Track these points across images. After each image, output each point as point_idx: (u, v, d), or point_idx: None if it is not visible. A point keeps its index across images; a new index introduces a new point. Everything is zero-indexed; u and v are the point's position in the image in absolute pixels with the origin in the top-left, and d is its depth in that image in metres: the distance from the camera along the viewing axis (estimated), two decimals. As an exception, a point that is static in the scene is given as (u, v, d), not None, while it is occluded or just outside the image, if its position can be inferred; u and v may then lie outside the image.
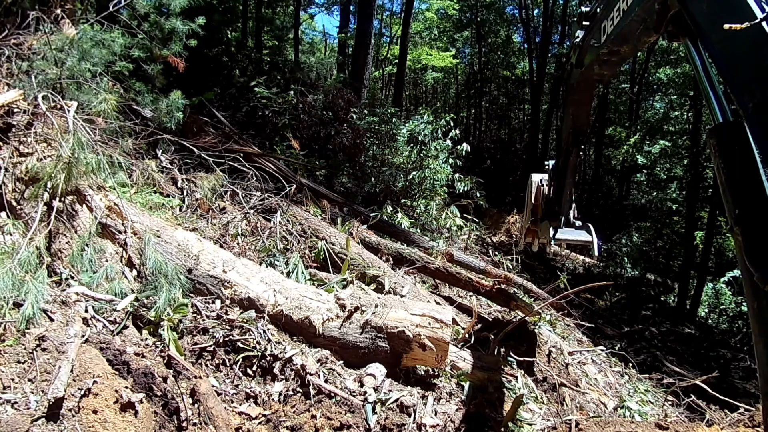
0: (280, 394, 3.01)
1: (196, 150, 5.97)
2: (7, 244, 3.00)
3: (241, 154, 6.36)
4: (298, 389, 3.03)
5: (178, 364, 2.86)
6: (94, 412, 2.19)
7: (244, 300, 3.53)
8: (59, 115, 3.59)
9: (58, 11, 4.90)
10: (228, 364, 3.15)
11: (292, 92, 9.47)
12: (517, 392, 3.82)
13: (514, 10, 22.70)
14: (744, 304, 10.62)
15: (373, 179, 8.74)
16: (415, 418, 2.87)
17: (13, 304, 2.59)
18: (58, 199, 3.23)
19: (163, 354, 2.89)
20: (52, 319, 2.69)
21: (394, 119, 9.66)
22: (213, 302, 3.50)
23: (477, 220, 9.52)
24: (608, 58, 3.13)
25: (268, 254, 4.79)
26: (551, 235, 4.05)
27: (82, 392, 2.21)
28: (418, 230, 7.67)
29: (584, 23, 3.40)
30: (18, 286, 2.61)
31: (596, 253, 3.98)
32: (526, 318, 4.90)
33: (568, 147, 3.89)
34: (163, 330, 3.07)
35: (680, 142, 14.54)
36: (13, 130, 3.46)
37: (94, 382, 2.27)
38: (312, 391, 2.97)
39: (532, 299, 6.06)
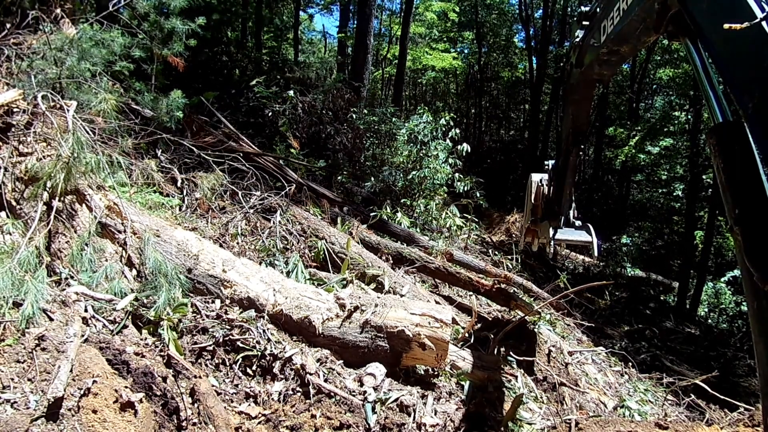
0: (279, 394, 3.01)
1: (195, 149, 5.96)
2: (7, 244, 3.00)
3: (241, 154, 6.36)
4: (298, 389, 3.03)
5: (177, 363, 2.86)
6: (94, 411, 2.19)
7: (244, 299, 3.53)
8: (59, 115, 3.58)
9: (58, 11, 4.91)
10: (228, 364, 3.15)
11: (291, 92, 9.45)
12: (516, 392, 3.82)
13: (515, 12, 22.71)
14: (744, 303, 10.63)
15: (373, 179, 8.73)
16: (414, 417, 2.87)
17: (12, 304, 2.59)
18: (57, 198, 3.22)
19: (162, 353, 2.89)
20: (51, 319, 2.69)
21: (393, 119, 9.65)
22: (213, 302, 3.50)
23: (477, 220, 9.50)
24: (608, 57, 3.14)
25: (267, 254, 4.79)
26: (551, 235, 4.05)
27: (82, 392, 2.21)
28: (418, 230, 7.66)
29: (584, 23, 3.40)
30: (18, 285, 2.61)
31: (596, 253, 3.98)
32: (525, 317, 4.90)
33: (568, 147, 3.89)
34: (163, 329, 3.07)
35: (680, 142, 14.54)
36: (13, 129, 3.46)
37: (94, 381, 2.27)
38: (312, 391, 2.97)
39: (532, 299, 6.06)
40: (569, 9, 19.54)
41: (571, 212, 4.14)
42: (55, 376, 2.18)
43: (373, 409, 2.87)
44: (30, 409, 2.11)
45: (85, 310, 2.92)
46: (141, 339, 3.01)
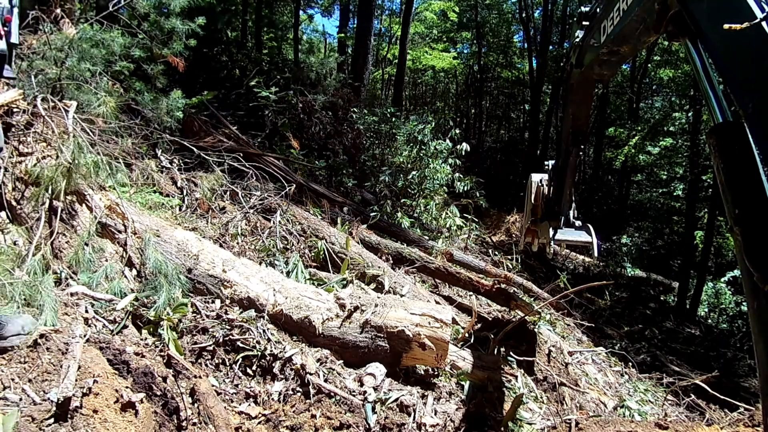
0: (279, 394, 3.01)
1: (195, 150, 5.97)
2: (9, 245, 3.00)
3: (241, 154, 6.36)
4: (298, 389, 3.03)
5: (177, 363, 2.86)
6: (95, 411, 2.19)
7: (244, 299, 3.53)
8: (59, 116, 3.59)
9: (58, 11, 4.91)
10: (228, 364, 3.15)
11: (292, 92, 9.45)
12: (516, 392, 3.82)
13: (515, 11, 22.71)
14: (744, 303, 10.64)
15: (373, 179, 8.73)
16: (414, 417, 2.87)
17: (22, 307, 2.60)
18: (58, 200, 3.23)
19: (162, 353, 2.89)
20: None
21: (393, 119, 9.66)
22: (213, 302, 3.50)
23: (477, 220, 9.51)
24: (608, 58, 3.14)
25: (267, 254, 4.79)
26: (551, 235, 4.05)
27: (83, 392, 2.21)
28: (418, 230, 7.67)
29: (584, 23, 3.41)
30: (29, 293, 2.62)
31: (596, 254, 3.98)
32: (525, 317, 4.90)
33: (568, 147, 3.89)
34: (163, 329, 3.07)
35: (680, 142, 14.55)
36: (13, 129, 3.47)
37: (95, 381, 2.26)
38: (312, 391, 2.97)
39: (532, 299, 6.06)
40: (569, 9, 19.54)
41: (571, 212, 4.14)
42: (64, 376, 2.18)
43: (373, 409, 2.87)
44: (34, 410, 2.11)
45: (86, 310, 2.92)
46: (141, 339, 3.01)
